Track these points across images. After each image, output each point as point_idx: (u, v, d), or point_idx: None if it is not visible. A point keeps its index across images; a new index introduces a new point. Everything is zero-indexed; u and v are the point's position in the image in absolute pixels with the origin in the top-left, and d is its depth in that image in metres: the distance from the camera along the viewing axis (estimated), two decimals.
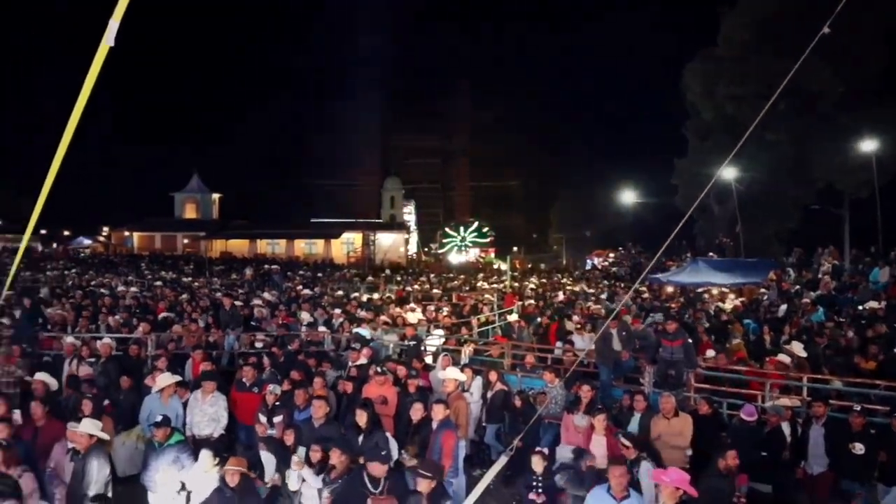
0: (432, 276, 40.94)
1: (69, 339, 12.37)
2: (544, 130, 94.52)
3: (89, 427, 7.17)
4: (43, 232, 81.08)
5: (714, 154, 34.38)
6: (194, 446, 8.15)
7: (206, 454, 7.20)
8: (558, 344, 14.81)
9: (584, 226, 77.96)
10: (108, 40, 5.00)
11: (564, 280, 36.95)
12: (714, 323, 17.30)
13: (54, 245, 74.07)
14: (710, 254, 32.53)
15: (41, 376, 9.42)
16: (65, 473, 7.54)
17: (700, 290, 23.11)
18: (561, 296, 25.59)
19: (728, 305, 20.87)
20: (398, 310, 18.92)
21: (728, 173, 32.36)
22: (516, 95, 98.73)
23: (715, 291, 23.22)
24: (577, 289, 29.66)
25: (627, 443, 7.71)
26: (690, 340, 11.65)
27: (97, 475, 6.89)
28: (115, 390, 10.40)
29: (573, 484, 7.86)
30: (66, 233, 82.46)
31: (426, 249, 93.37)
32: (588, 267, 55.97)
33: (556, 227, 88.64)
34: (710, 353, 12.89)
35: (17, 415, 8.39)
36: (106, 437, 7.59)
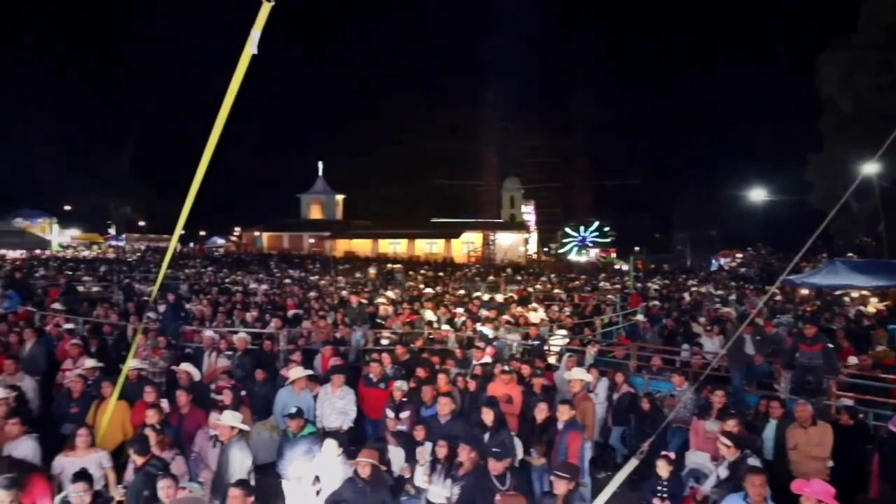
0: (552, 275, 40.64)
1: (208, 332, 13.04)
2: (667, 127, 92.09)
3: (231, 419, 7.54)
4: (182, 232, 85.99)
5: (853, 148, 32.41)
6: (325, 437, 8.41)
7: (330, 443, 7.44)
8: (685, 346, 14.40)
9: (708, 225, 75.43)
10: (251, 49, 5.28)
11: (690, 281, 35.88)
12: (854, 328, 16.34)
13: (191, 244, 78.27)
14: (850, 254, 30.76)
15: (185, 366, 9.98)
16: (208, 458, 7.97)
17: (838, 292, 21.90)
18: (686, 297, 24.88)
19: (871, 309, 19.68)
20: (520, 309, 18.89)
21: (869, 168, 30.48)
22: (638, 92, 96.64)
23: (855, 294, 21.96)
24: (703, 290, 28.76)
25: (728, 442, 7.41)
26: (831, 345, 11.06)
27: (240, 465, 7.23)
28: (250, 382, 10.87)
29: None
30: (202, 233, 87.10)
31: (546, 249, 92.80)
32: (714, 268, 54.14)
33: (679, 226, 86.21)
34: (853, 359, 12.18)
35: (164, 403, 8.93)
36: (247, 427, 7.97)
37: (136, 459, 6.91)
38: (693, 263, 66.39)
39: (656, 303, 21.75)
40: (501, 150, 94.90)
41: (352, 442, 9.13)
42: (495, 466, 6.71)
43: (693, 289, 29.75)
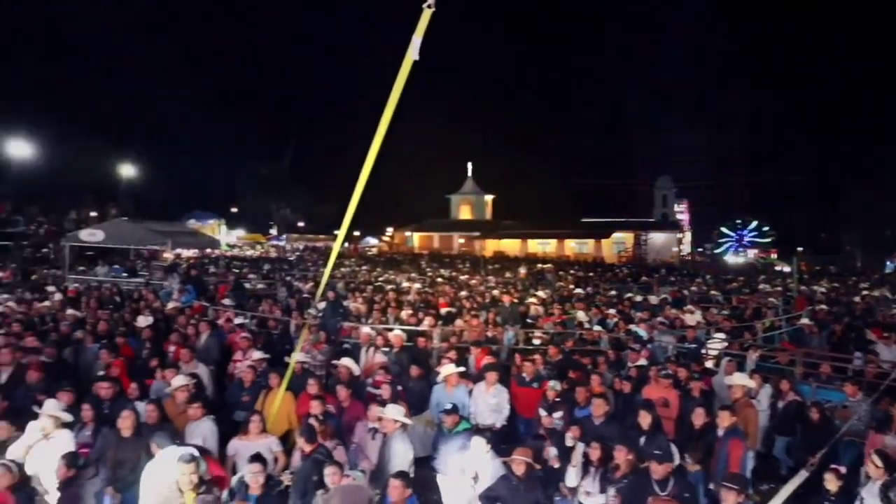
0: (708, 276, 39.12)
1: (365, 329, 13.50)
2: (830, 119, 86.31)
3: (395, 412, 7.81)
4: (336, 232, 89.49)
5: None
6: (478, 433, 8.53)
7: (478, 441, 7.52)
8: (857, 354, 13.46)
9: (881, 224, 70.02)
10: (412, 55, 5.44)
11: (861, 284, 33.49)
12: None
13: (346, 244, 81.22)
14: None
15: (346, 361, 10.40)
16: (367, 449, 8.28)
17: None
18: (858, 301, 23.25)
19: None
20: (675, 311, 18.34)
21: None
22: (796, 82, 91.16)
23: None
24: (876, 294, 26.76)
25: (878, 462, 6.77)
26: None
27: (403, 457, 7.48)
28: (405, 378, 11.16)
29: None
30: (356, 233, 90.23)
31: (700, 249, 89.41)
32: (889, 270, 50.25)
33: (846, 225, 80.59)
34: None
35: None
36: (409, 421, 8.23)
37: (305, 447, 7.28)
38: (864, 265, 61.87)
39: (824, 306, 20.45)
40: (654, 147, 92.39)
41: (504, 440, 9.19)
42: (657, 470, 6.56)
43: (865, 292, 27.75)
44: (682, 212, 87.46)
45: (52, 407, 7.55)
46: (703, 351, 13.50)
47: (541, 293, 23.05)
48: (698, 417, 8.49)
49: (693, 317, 17.39)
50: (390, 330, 13.59)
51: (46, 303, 16.82)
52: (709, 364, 12.61)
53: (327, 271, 8.60)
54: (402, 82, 5.35)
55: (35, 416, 7.52)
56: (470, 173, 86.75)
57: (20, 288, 20.22)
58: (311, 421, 7.77)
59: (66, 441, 7.33)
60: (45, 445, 7.20)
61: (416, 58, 5.23)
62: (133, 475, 7.31)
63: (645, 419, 8.12)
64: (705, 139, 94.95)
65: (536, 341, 14.13)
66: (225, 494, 6.70)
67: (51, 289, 19.84)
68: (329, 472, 6.41)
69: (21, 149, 35.54)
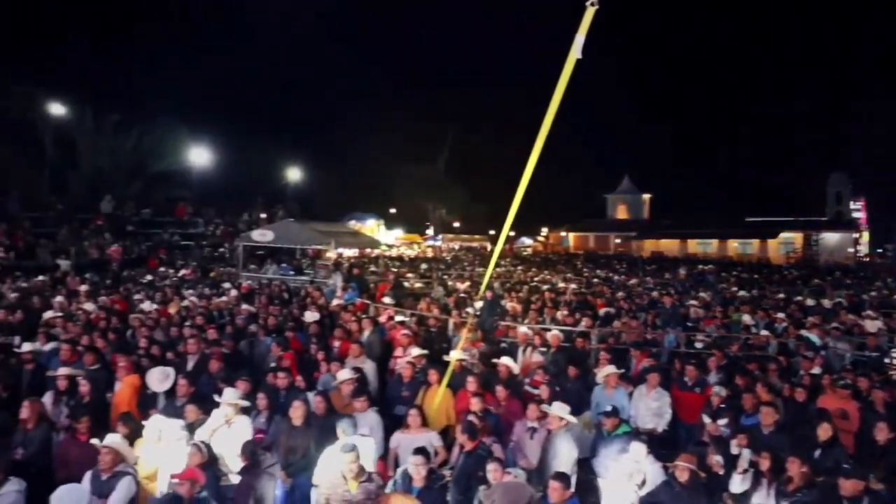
0: (889, 280, 36.23)
1: (522, 329, 13.53)
2: None
3: (560, 410, 7.82)
4: (492, 232, 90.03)
5: None
6: (637, 437, 8.34)
7: (637, 445, 7.35)
8: None
9: None
10: (576, 53, 5.40)
11: None
12: None
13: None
14: None
15: (505, 360, 10.48)
16: (526, 449, 8.30)
17: None
18: None
19: None
20: (851, 316, 17.12)
21: None
22: None
23: None
24: None
25: None
26: None
27: (567, 456, 7.47)
28: (563, 378, 11.09)
29: None
30: (511, 233, 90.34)
31: (879, 250, 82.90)
32: None
33: None
34: None
35: None
36: (574, 420, 8.20)
37: (466, 443, 7.42)
38: None
39: None
40: (826, 140, 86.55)
41: (663, 445, 8.95)
42: (847, 486, 6.14)
43: None
44: (858, 209, 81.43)
45: (232, 395, 8.10)
46: (887, 360, 12.51)
47: (702, 295, 22.20)
48: (882, 432, 7.88)
49: (874, 323, 16.15)
50: (547, 330, 13.55)
51: (224, 298, 18.01)
52: (894, 374, 11.68)
53: (489, 270, 8.72)
54: (565, 81, 5.33)
55: (216, 402, 8.11)
56: (627, 172, 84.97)
57: (200, 284, 21.77)
58: (472, 418, 7.90)
59: (245, 427, 7.85)
60: (227, 430, 7.75)
61: (580, 56, 5.19)
62: (304, 461, 7.75)
63: (825, 431, 7.64)
64: (887, 132, 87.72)
65: (699, 345, 13.65)
66: (389, 485, 6.94)
67: (227, 285, 21.23)
68: (491, 469, 6.50)
69: (201, 156, 38.28)
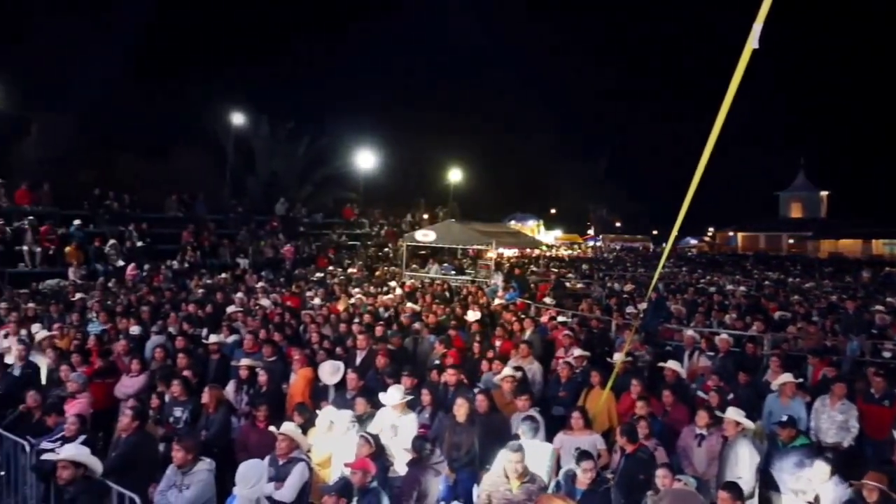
0: None
1: (690, 332, 13.06)
2: None
3: (736, 415, 7.62)
4: (654, 233, 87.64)
5: None
6: (819, 452, 7.86)
7: (820, 465, 6.86)
8: None
9: None
10: (752, 43, 5.14)
11: None
12: None
13: (663, 244, 79.23)
14: None
15: (672, 364, 10.17)
16: (692, 456, 8.01)
17: None
18: None
19: None
20: None
21: None
22: None
23: None
24: None
25: None
26: None
27: (748, 462, 7.22)
28: (732, 384, 10.61)
29: None
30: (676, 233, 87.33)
31: None
32: None
33: None
34: None
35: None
36: (752, 425, 7.86)
37: (627, 446, 7.28)
38: None
39: None
40: None
41: (847, 462, 8.34)
42: None
43: None
44: None
45: (398, 390, 8.34)
46: None
47: (890, 300, 20.51)
48: None
49: None
50: (716, 334, 13.02)
51: (389, 296, 18.60)
52: None
53: (658, 270, 8.48)
54: (741, 74, 5.09)
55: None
56: (802, 168, 79.82)
57: (366, 282, 22.60)
58: (638, 421, 7.75)
59: (411, 422, 8.07)
60: (395, 423, 8.00)
61: (756, 46, 4.93)
62: (466, 458, 7.87)
63: None
64: None
65: (886, 353, 12.63)
66: (551, 486, 6.91)
67: (392, 284, 21.92)
68: (661, 475, 6.33)
69: (367, 160, 39.74)
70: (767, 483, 7.67)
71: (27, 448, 7.80)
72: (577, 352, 11.14)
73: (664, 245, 77.05)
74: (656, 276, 8.62)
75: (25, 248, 21.42)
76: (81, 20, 31.04)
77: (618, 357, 9.92)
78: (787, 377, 9.43)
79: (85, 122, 28.93)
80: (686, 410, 8.89)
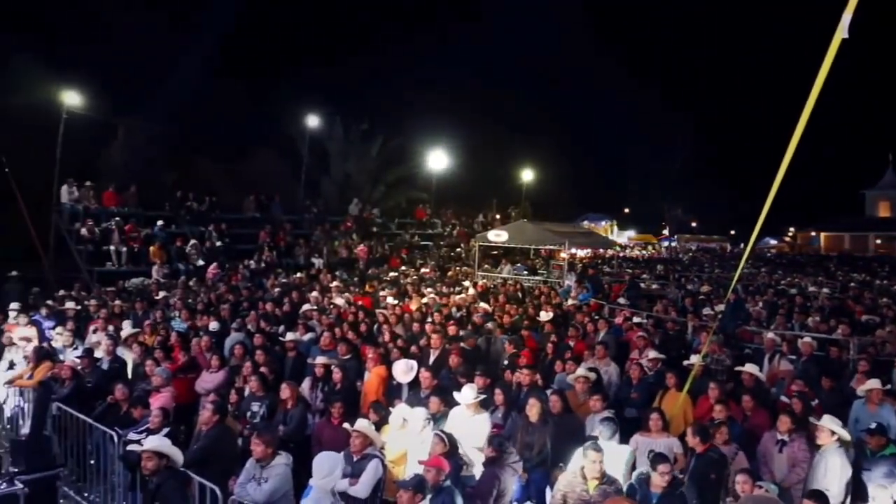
0: None
1: (770, 334, 12.68)
2: None
3: (831, 423, 7.40)
4: (732, 233, 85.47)
5: None
6: None
7: None
8: None
9: None
10: (842, 33, 4.97)
11: None
12: None
13: (741, 245, 77.20)
14: None
15: (750, 367, 9.90)
16: (772, 462, 7.78)
17: None
18: None
19: None
20: None
21: None
22: None
23: None
24: None
25: None
26: None
27: (839, 472, 7.04)
28: (816, 389, 10.26)
29: None
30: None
31: None
32: None
33: None
34: None
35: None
36: (847, 435, 7.61)
37: (698, 446, 7.16)
38: None
39: None
40: None
41: None
42: None
43: None
44: None
45: (470, 392, 8.35)
46: None
47: None
48: None
49: None
50: (798, 337, 12.61)
51: (462, 296, 18.64)
52: None
53: (738, 271, 8.27)
54: (829, 64, 4.92)
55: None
56: (891, 165, 76.53)
57: (439, 283, 22.70)
58: (718, 426, 7.60)
59: (484, 421, 8.08)
60: (468, 422, 8.02)
61: (846, 36, 4.77)
62: (539, 458, 7.85)
63: None
64: None
65: None
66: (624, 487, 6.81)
67: (465, 284, 21.98)
68: (740, 480, 6.18)
69: (439, 160, 39.92)
70: (854, 493, 7.40)
71: (115, 438, 8.13)
72: (652, 353, 10.97)
73: (742, 245, 75.13)
74: (736, 276, 8.39)
75: (112, 247, 22.30)
76: (164, 30, 32.19)
77: (695, 359, 9.72)
78: (875, 383, 9.09)
79: (168, 127, 29.94)
80: (767, 415, 8.65)
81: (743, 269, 11.74)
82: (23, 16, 25.58)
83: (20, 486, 6.60)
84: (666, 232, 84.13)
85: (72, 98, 24.22)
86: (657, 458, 6.46)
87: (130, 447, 7.05)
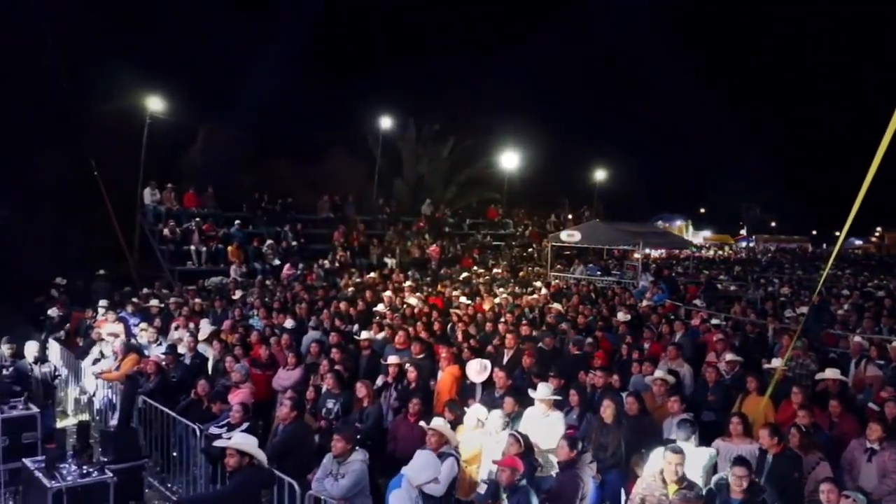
0: None
1: (857, 338, 12.23)
2: None
3: None
4: (814, 233, 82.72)
5: None
6: None
7: None
8: None
9: None
10: None
11: None
12: None
13: (824, 245, 74.72)
14: None
15: (831, 373, 9.56)
16: (860, 469, 7.48)
17: None
18: None
19: None
20: None
21: None
22: None
23: None
24: None
25: None
26: None
27: None
28: None
29: None
30: (836, 233, 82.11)
31: None
32: None
33: None
34: None
35: None
36: None
37: (774, 447, 7.01)
38: None
39: None
40: None
41: None
42: None
43: None
44: None
45: (545, 390, 8.31)
46: None
47: None
48: None
49: None
50: (888, 341, 12.12)
51: (534, 296, 18.55)
52: None
53: (825, 272, 8.00)
54: None
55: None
56: None
57: (511, 283, 22.66)
58: (793, 430, 7.38)
59: (559, 421, 8.03)
60: (542, 422, 7.99)
61: None
62: (613, 459, 7.76)
63: None
64: None
65: None
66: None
67: (537, 284, 21.87)
68: (825, 489, 5.95)
69: (511, 160, 39.81)
70: None
71: (197, 432, 8.38)
72: (730, 356, 10.69)
73: (825, 246, 72.62)
74: (823, 277, 8.11)
75: (192, 247, 22.98)
76: (244, 36, 32.97)
77: (776, 363, 9.44)
78: None
79: (246, 130, 30.62)
80: (854, 422, 8.33)
81: (828, 270, 11.34)
82: (111, 23, 26.54)
83: (110, 474, 6.86)
84: (743, 232, 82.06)
85: (155, 104, 25.07)
86: (735, 462, 6.30)
87: (216, 443, 7.23)
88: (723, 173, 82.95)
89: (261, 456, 6.49)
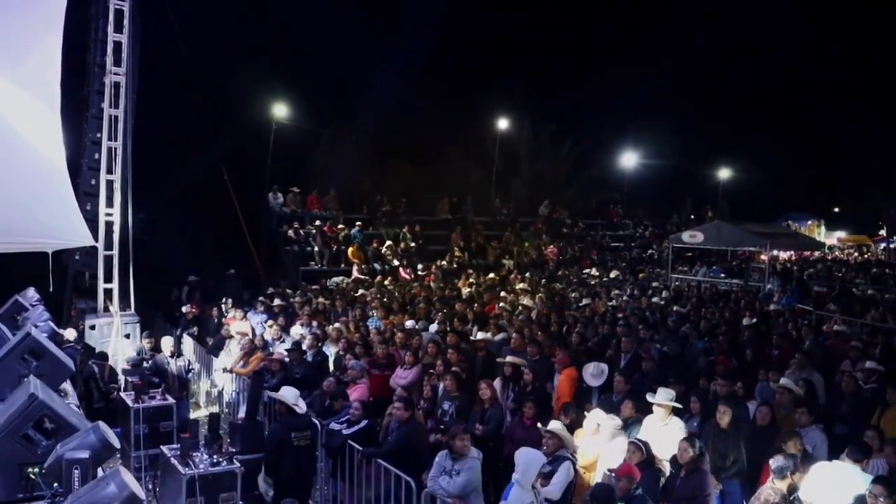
0: None
1: None
2: None
3: None
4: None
5: None
6: None
7: None
8: None
9: None
10: None
11: None
12: None
13: None
14: None
15: None
16: None
17: None
18: None
19: None
20: None
21: None
22: None
23: None
24: None
25: None
26: None
27: None
28: None
29: None
30: None
31: None
32: None
33: None
34: None
35: None
36: None
37: None
38: None
39: None
40: None
41: None
42: None
43: None
44: None
45: (665, 394, 8.10)
46: None
47: None
48: None
49: None
50: None
51: (655, 299, 18.10)
52: None
53: None
54: None
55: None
56: None
57: (630, 284, 22.21)
58: None
59: (678, 428, 7.81)
60: (662, 430, 7.80)
61: None
62: (734, 468, 7.48)
63: None
64: None
65: None
66: None
67: (656, 285, 21.33)
68: (876, 493, 5.54)
69: (630, 160, 39.07)
70: None
71: (319, 427, 8.66)
72: (869, 364, 10.08)
73: None
74: None
75: (315, 248, 23.73)
76: (367, 40, 33.71)
77: None
78: None
79: (366, 133, 31.39)
80: None
81: None
82: (242, 32, 27.77)
83: (237, 464, 7.20)
84: (883, 232, 77.13)
85: (280, 110, 26.11)
86: (875, 482, 5.90)
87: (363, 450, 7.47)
88: (860, 169, 78.24)
89: None
